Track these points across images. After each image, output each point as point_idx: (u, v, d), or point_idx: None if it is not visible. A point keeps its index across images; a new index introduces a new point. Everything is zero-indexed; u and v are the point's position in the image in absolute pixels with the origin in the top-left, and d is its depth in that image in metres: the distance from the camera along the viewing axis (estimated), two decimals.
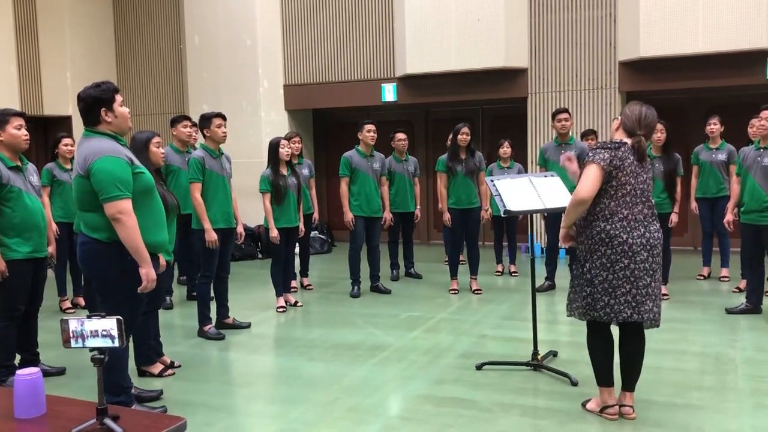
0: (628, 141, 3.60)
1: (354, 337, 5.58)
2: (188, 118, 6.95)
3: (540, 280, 7.04)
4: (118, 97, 3.65)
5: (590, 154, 3.59)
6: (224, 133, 5.65)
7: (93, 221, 3.56)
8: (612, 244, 3.52)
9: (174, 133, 6.81)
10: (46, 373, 4.38)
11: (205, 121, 5.63)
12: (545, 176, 4.87)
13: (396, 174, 7.78)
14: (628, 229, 3.52)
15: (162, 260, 4.01)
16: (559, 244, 4.05)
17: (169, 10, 11.55)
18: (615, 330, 3.73)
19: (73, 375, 4.75)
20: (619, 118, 3.80)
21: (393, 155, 7.88)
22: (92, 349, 2.32)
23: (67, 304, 6.83)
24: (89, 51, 11.27)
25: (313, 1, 10.51)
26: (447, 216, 6.97)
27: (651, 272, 3.55)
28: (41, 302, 4.73)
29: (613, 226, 3.52)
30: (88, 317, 2.30)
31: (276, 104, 10.64)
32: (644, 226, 3.55)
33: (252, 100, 10.44)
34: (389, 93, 10.06)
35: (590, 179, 3.54)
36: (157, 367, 4.70)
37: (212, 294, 5.82)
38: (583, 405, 3.90)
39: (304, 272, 7.67)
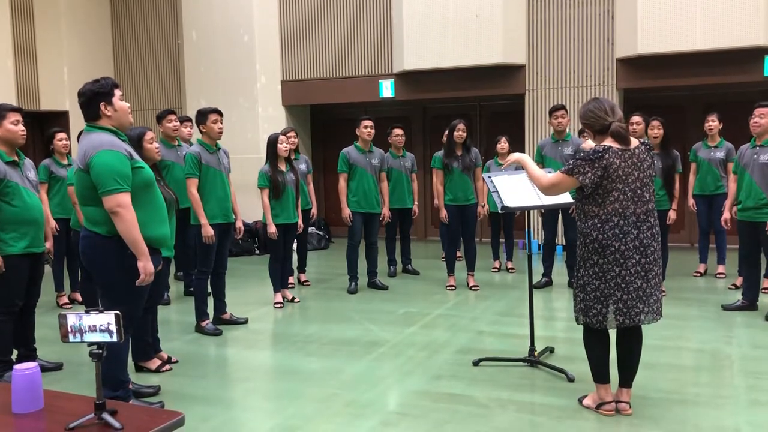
0: (609, 141, 3.52)
1: (351, 333, 5.58)
2: (173, 113, 6.98)
3: (537, 277, 7.05)
4: (118, 92, 3.65)
5: (571, 165, 3.54)
6: (220, 128, 5.64)
7: (93, 215, 3.56)
8: (604, 254, 3.52)
9: (161, 129, 6.86)
10: (44, 369, 4.38)
11: (202, 116, 5.62)
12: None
13: (393, 170, 7.77)
14: (621, 235, 3.49)
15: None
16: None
17: (166, 5, 11.52)
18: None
19: (71, 370, 4.76)
20: (585, 135, 3.76)
21: (390, 151, 7.87)
22: (90, 344, 2.32)
23: (65, 299, 6.83)
24: (86, 46, 11.24)
25: None
26: (444, 213, 6.97)
27: (643, 274, 3.53)
28: (38, 297, 4.73)
29: (605, 235, 3.50)
30: (87, 312, 2.30)
31: (273, 100, 10.62)
32: (637, 228, 3.52)
33: (249, 96, 10.43)
34: (387, 89, 10.05)
35: (557, 187, 3.65)
36: (155, 363, 4.71)
37: (209, 289, 5.82)
38: (580, 401, 3.91)
39: (302, 268, 7.67)
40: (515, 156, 3.94)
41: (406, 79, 9.85)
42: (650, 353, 4.51)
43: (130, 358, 4.14)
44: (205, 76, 10.56)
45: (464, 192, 6.91)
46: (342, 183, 7.04)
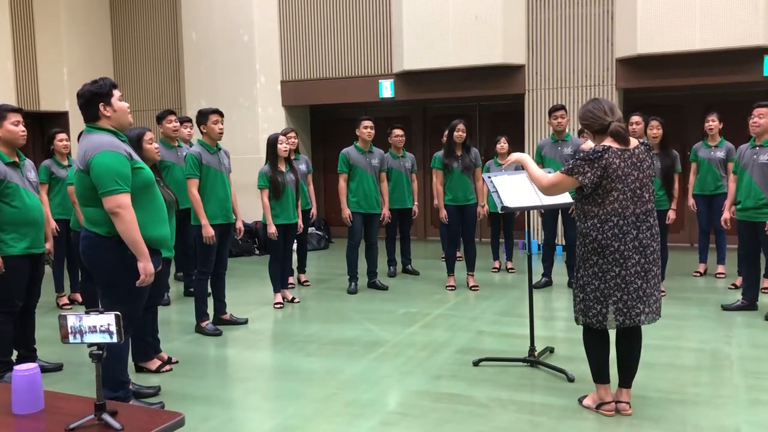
0: (609, 141, 3.53)
1: (351, 333, 5.58)
2: (173, 113, 6.97)
3: (537, 277, 7.05)
4: (116, 92, 3.65)
5: (570, 165, 3.54)
6: (221, 129, 5.65)
7: (94, 216, 3.56)
8: (604, 254, 3.52)
9: (161, 130, 6.86)
10: (44, 369, 4.38)
11: (202, 117, 5.63)
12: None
13: (393, 170, 7.77)
14: (620, 235, 3.50)
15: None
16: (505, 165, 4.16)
17: (166, 5, 11.52)
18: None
19: (71, 371, 4.76)
20: (585, 135, 3.76)
21: (390, 151, 7.87)
22: (90, 345, 2.32)
23: (65, 300, 6.83)
24: (86, 46, 11.23)
25: None
26: (444, 213, 6.97)
27: (643, 274, 3.54)
28: (38, 298, 4.73)
29: (605, 235, 3.51)
30: (87, 313, 2.30)
31: (273, 100, 10.63)
32: (636, 228, 3.52)
33: (249, 96, 10.43)
34: (387, 89, 10.05)
35: (557, 187, 3.65)
36: (155, 363, 4.71)
37: (209, 290, 5.82)
38: (580, 401, 3.91)
39: (302, 268, 7.67)
40: (515, 156, 3.94)
41: (406, 79, 9.86)
42: (650, 353, 4.51)
43: (130, 359, 4.14)
44: (205, 76, 10.56)
45: (464, 192, 6.91)
46: (342, 183, 7.04)
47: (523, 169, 4.00)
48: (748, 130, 5.87)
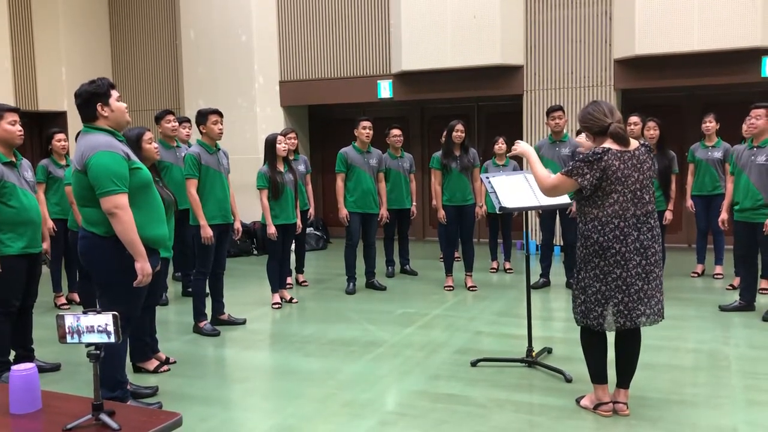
0: (609, 142, 3.53)
1: (349, 333, 5.58)
2: (171, 113, 6.96)
3: (535, 277, 7.05)
4: (114, 92, 3.66)
5: (570, 167, 3.54)
6: (220, 129, 5.65)
7: (91, 216, 3.56)
8: (605, 256, 3.51)
9: (159, 130, 6.85)
10: (42, 369, 4.37)
11: (202, 117, 5.62)
12: None
13: (391, 170, 7.78)
14: (621, 237, 3.49)
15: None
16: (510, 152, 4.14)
17: (164, 5, 11.51)
18: None
19: (69, 371, 4.75)
20: (582, 136, 3.75)
21: (388, 152, 7.88)
22: (88, 345, 2.32)
23: (62, 300, 6.82)
24: (84, 46, 11.22)
25: None
26: (442, 213, 6.97)
27: (644, 275, 3.54)
28: (36, 298, 4.72)
29: (606, 237, 3.50)
30: (84, 313, 2.30)
31: (271, 100, 10.63)
32: (637, 229, 3.52)
33: (247, 96, 10.43)
34: (385, 89, 10.06)
35: (558, 189, 3.64)
36: (153, 363, 4.70)
37: (207, 290, 5.82)
38: (577, 401, 3.92)
39: (300, 268, 7.67)
40: (522, 147, 3.94)
41: (405, 79, 9.86)
42: (648, 353, 4.51)
43: (128, 359, 4.14)
44: (204, 76, 10.56)
45: (462, 192, 6.91)
46: (339, 183, 7.04)
47: (521, 169, 4.00)
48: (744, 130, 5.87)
